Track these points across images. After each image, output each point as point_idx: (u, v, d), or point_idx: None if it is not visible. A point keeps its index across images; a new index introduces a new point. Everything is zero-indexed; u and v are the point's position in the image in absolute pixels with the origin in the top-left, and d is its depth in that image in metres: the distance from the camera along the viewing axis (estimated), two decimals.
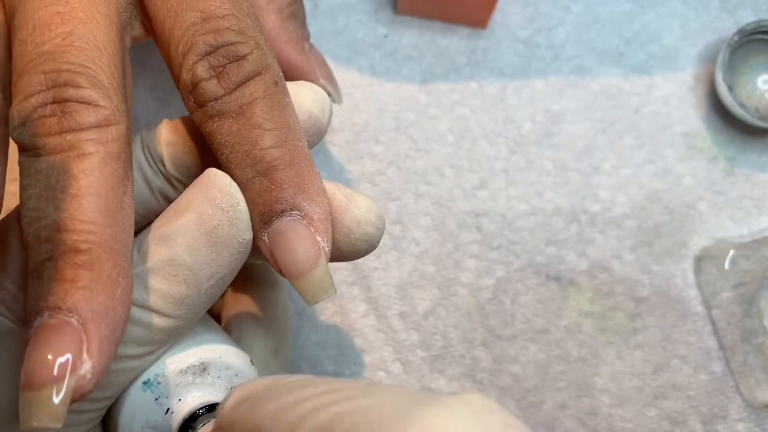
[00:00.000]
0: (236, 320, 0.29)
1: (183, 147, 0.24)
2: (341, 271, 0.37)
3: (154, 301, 0.22)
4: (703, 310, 0.37)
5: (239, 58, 0.22)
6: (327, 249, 0.23)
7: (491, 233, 0.37)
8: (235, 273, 0.23)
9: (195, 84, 0.22)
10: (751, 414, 0.36)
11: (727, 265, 0.36)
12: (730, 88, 0.36)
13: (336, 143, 0.37)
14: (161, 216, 0.23)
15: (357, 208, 0.24)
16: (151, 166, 0.24)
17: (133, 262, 0.21)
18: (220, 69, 0.22)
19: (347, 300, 0.37)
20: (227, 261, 0.22)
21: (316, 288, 0.22)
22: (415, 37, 0.38)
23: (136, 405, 0.23)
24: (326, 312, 0.37)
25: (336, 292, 0.23)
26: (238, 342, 0.27)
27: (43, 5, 0.21)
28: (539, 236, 0.37)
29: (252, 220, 0.22)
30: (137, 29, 0.24)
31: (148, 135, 0.25)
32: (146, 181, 0.24)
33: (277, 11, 0.30)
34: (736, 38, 0.37)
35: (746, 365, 0.35)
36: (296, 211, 0.22)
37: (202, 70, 0.22)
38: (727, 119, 0.38)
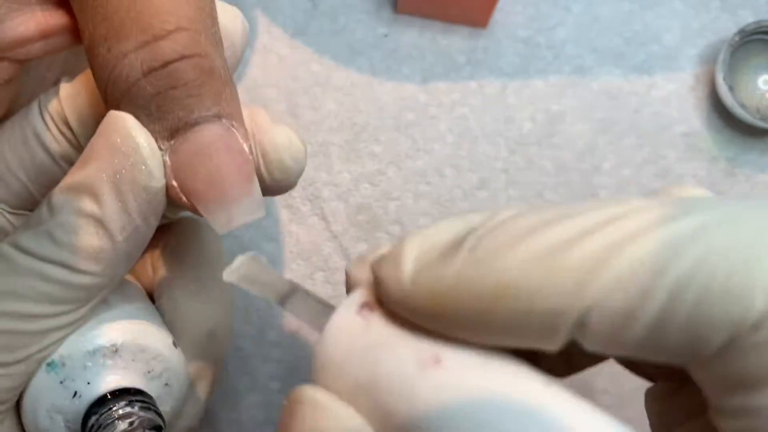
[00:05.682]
0: (168, 300, 0.27)
1: (86, 98, 0.22)
2: (340, 271, 0.37)
3: (66, 255, 0.20)
4: None
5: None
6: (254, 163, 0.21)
7: None
8: (152, 224, 0.21)
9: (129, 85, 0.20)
10: None
11: None
12: (731, 89, 0.36)
13: (336, 143, 0.37)
14: (73, 167, 0.21)
15: (277, 133, 0.22)
16: (50, 130, 0.23)
17: (44, 218, 0.21)
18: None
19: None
20: (137, 210, 0.20)
21: (248, 210, 0.20)
22: (415, 37, 0.38)
23: (40, 387, 0.21)
24: None
25: (263, 215, 0.21)
26: (170, 324, 0.26)
27: None
28: None
29: (160, 144, 0.20)
30: None
31: (46, 96, 0.23)
32: (46, 150, 0.23)
33: None
34: (736, 38, 0.37)
35: None
36: (225, 119, 0.20)
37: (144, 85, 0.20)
38: (727, 119, 0.38)
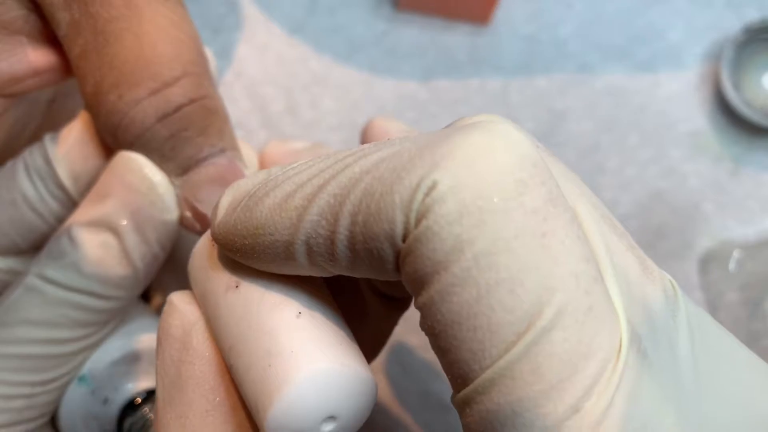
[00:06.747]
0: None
1: (79, 155, 0.24)
2: None
3: (93, 285, 0.22)
4: (708, 312, 0.36)
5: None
6: None
7: None
8: (168, 249, 0.23)
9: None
10: None
11: (731, 267, 0.36)
12: (736, 87, 0.36)
13: (335, 142, 0.37)
14: (84, 203, 0.23)
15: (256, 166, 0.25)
16: (40, 192, 0.24)
17: (66, 251, 0.22)
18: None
19: None
20: (155, 241, 0.22)
21: None
22: (416, 34, 0.38)
23: (75, 399, 0.24)
24: None
25: None
26: None
27: None
28: None
29: (172, 179, 0.22)
30: None
31: (30, 156, 0.24)
32: (35, 211, 0.24)
33: None
34: (741, 36, 0.36)
35: None
36: (228, 152, 0.22)
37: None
38: (732, 118, 0.37)
